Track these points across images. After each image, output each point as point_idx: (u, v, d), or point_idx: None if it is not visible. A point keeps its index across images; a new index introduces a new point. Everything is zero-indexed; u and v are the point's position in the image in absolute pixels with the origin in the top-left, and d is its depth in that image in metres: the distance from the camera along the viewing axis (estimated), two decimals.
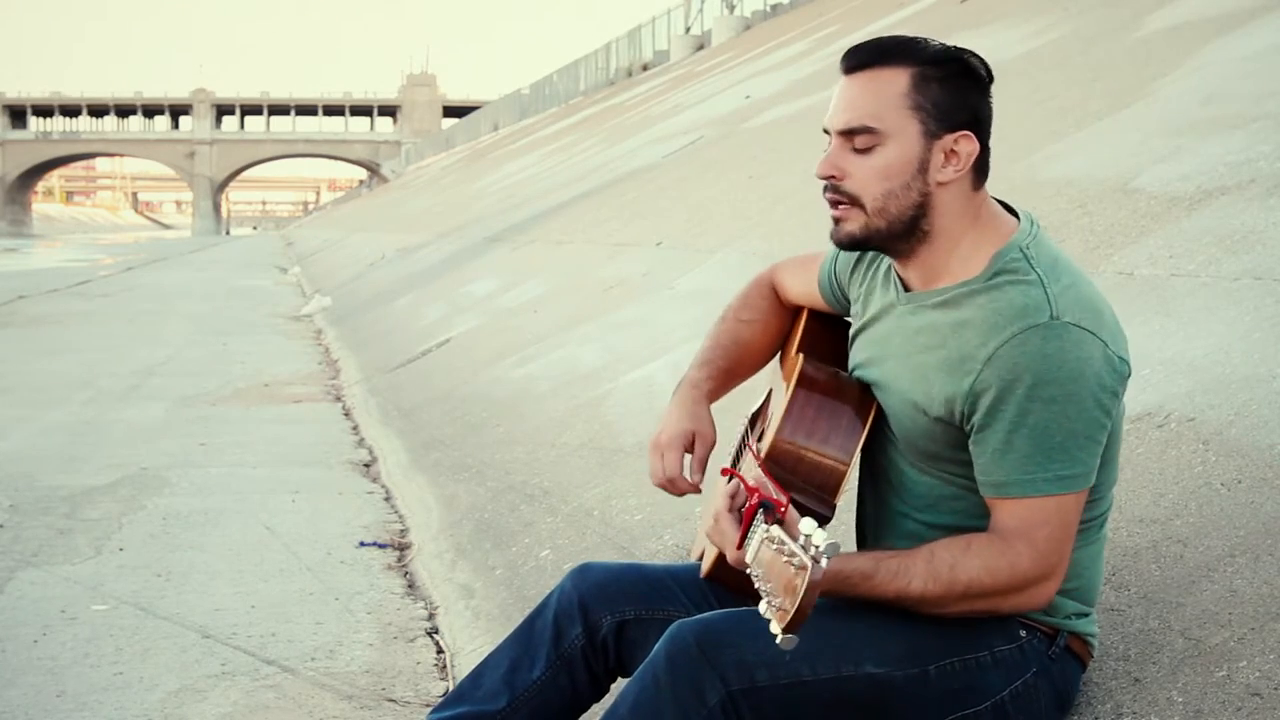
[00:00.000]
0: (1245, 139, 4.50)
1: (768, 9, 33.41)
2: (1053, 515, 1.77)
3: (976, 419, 1.80)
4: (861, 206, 1.85)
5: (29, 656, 3.38)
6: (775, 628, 1.56)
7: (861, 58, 1.84)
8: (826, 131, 1.88)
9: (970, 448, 1.83)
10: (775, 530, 1.63)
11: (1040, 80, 7.66)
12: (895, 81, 1.81)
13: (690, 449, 2.11)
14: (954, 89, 1.83)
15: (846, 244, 1.90)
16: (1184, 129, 5.01)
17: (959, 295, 1.85)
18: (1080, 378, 1.75)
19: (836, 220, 1.88)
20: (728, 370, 2.22)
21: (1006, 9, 11.62)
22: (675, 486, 2.08)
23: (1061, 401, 1.75)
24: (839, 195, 1.86)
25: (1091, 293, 1.83)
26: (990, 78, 1.87)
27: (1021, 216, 1.91)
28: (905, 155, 1.82)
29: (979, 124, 1.85)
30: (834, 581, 1.75)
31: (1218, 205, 4.01)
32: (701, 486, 2.09)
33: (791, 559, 1.57)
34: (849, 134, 1.84)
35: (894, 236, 1.86)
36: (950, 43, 1.88)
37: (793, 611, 1.54)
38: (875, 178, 1.83)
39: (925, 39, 1.87)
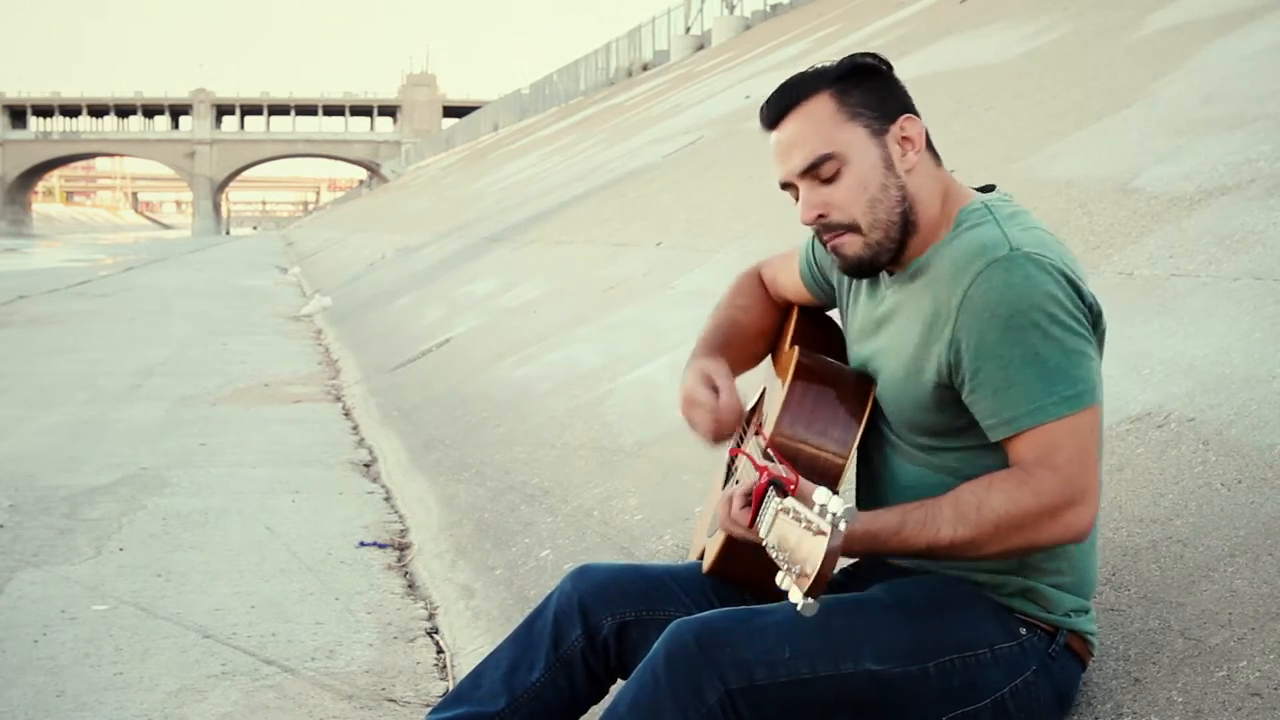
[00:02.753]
0: (1245, 139, 4.50)
1: (768, 9, 33.42)
2: (1068, 437, 1.76)
3: (966, 365, 1.80)
4: (856, 228, 1.87)
5: (29, 656, 3.38)
6: (795, 595, 1.57)
7: (779, 105, 1.90)
8: (785, 187, 1.92)
9: (968, 399, 1.83)
10: (790, 501, 1.64)
11: (1040, 80, 7.66)
12: (821, 106, 1.87)
13: (713, 387, 2.08)
14: (871, 87, 1.89)
15: (856, 269, 1.92)
16: (1184, 129, 5.01)
17: (928, 258, 1.89)
18: (1053, 299, 1.76)
19: (837, 251, 1.91)
20: (728, 347, 2.21)
21: (1006, 9, 11.62)
22: (725, 419, 2.03)
23: (1044, 325, 1.75)
24: (832, 228, 1.89)
25: (1053, 240, 1.85)
26: (889, 67, 1.93)
27: (996, 191, 1.96)
28: (869, 161, 1.86)
29: (910, 106, 1.91)
30: (865, 541, 1.77)
31: (1218, 205, 4.01)
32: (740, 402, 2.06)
33: (809, 525, 1.58)
34: (811, 170, 1.86)
35: (894, 240, 1.88)
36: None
37: (814, 576, 1.54)
38: (855, 194, 1.86)
39: (817, 65, 1.92)
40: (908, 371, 1.89)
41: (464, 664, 3.21)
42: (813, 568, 1.55)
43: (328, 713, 3.01)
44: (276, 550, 4.39)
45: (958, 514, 1.77)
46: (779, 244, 7.00)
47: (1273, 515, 2.27)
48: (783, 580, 1.60)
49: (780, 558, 1.62)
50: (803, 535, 1.58)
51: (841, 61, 1.90)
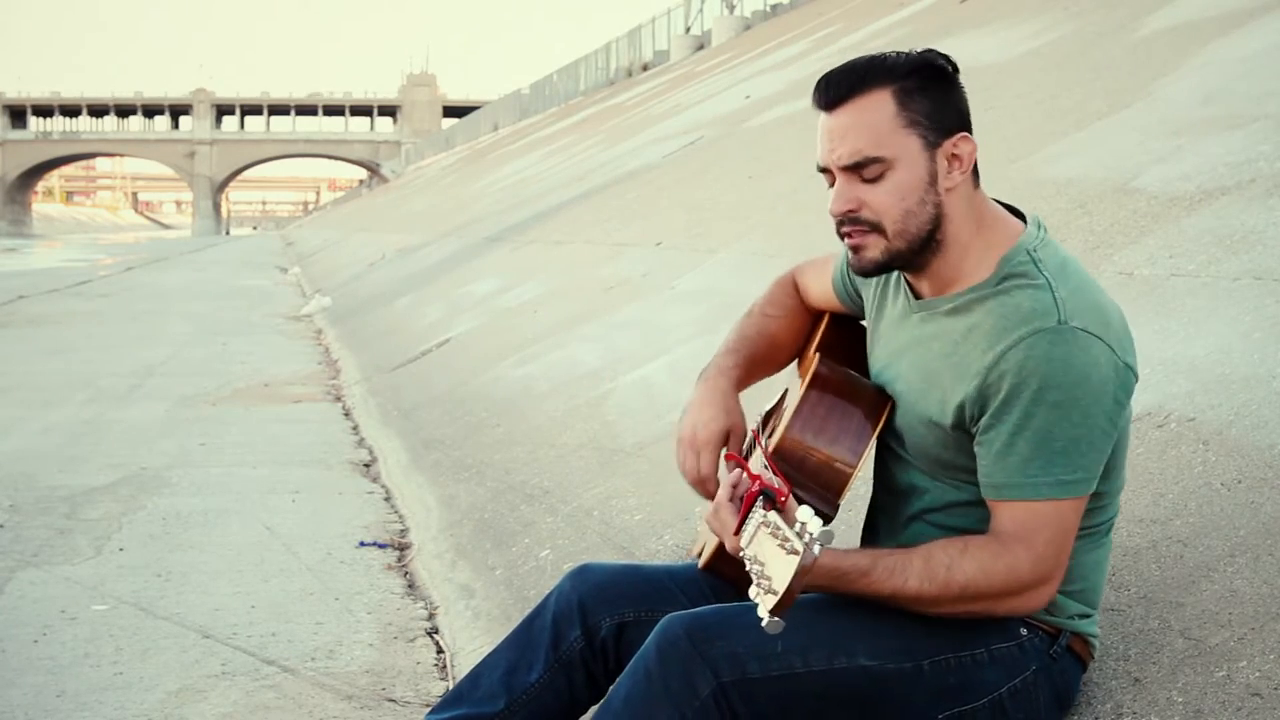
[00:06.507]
0: (1245, 139, 4.50)
1: (768, 9, 33.41)
2: (1052, 520, 1.77)
3: (984, 420, 1.80)
4: (882, 231, 1.84)
5: (29, 656, 3.38)
6: (762, 611, 1.57)
7: (840, 90, 1.83)
8: (823, 170, 1.87)
9: (975, 449, 1.83)
10: (772, 516, 1.64)
11: (1040, 80, 7.66)
12: (881, 105, 1.81)
13: (725, 445, 2.08)
14: (936, 94, 1.83)
15: (871, 270, 1.89)
16: (1184, 129, 5.01)
17: (969, 301, 1.85)
18: (1085, 382, 1.74)
19: (856, 249, 1.87)
20: (753, 361, 2.19)
21: (1006, 9, 11.61)
22: (706, 487, 2.05)
23: (1066, 406, 1.74)
24: (858, 224, 1.85)
25: (1100, 298, 1.83)
26: (956, 70, 1.87)
27: (1029, 219, 1.91)
28: (915, 173, 1.82)
29: (967, 121, 1.86)
30: (831, 576, 1.76)
31: (1218, 205, 4.01)
32: None
33: (785, 544, 1.57)
34: (855, 167, 1.82)
35: (913, 253, 1.86)
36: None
37: (780, 594, 1.54)
38: (893, 201, 1.82)
39: (889, 54, 1.86)
40: (927, 410, 1.88)
41: (464, 664, 3.21)
42: (781, 585, 1.54)
43: (328, 713, 3.01)
44: (276, 550, 4.39)
45: (927, 570, 1.78)
46: (779, 244, 7.01)
47: (1273, 515, 2.27)
48: (754, 594, 1.60)
49: (755, 570, 1.61)
50: (777, 552, 1.58)
51: (912, 57, 1.84)
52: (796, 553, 1.54)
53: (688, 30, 37.42)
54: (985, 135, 6.96)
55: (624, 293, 7.46)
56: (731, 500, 1.83)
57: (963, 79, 1.89)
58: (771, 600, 1.55)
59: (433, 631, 3.59)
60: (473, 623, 3.52)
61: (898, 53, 1.87)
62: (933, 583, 1.78)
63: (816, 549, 1.54)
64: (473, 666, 2.20)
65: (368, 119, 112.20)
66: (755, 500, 1.72)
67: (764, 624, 1.56)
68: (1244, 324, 3.09)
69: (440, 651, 3.43)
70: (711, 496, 2.05)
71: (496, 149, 38.97)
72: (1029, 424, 1.76)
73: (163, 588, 3.97)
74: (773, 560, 1.59)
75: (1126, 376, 1.79)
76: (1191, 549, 2.27)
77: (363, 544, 4.48)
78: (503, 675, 2.10)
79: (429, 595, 3.89)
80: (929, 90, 1.82)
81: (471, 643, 3.37)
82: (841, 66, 1.86)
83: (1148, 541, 2.35)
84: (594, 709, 2.06)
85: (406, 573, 4.16)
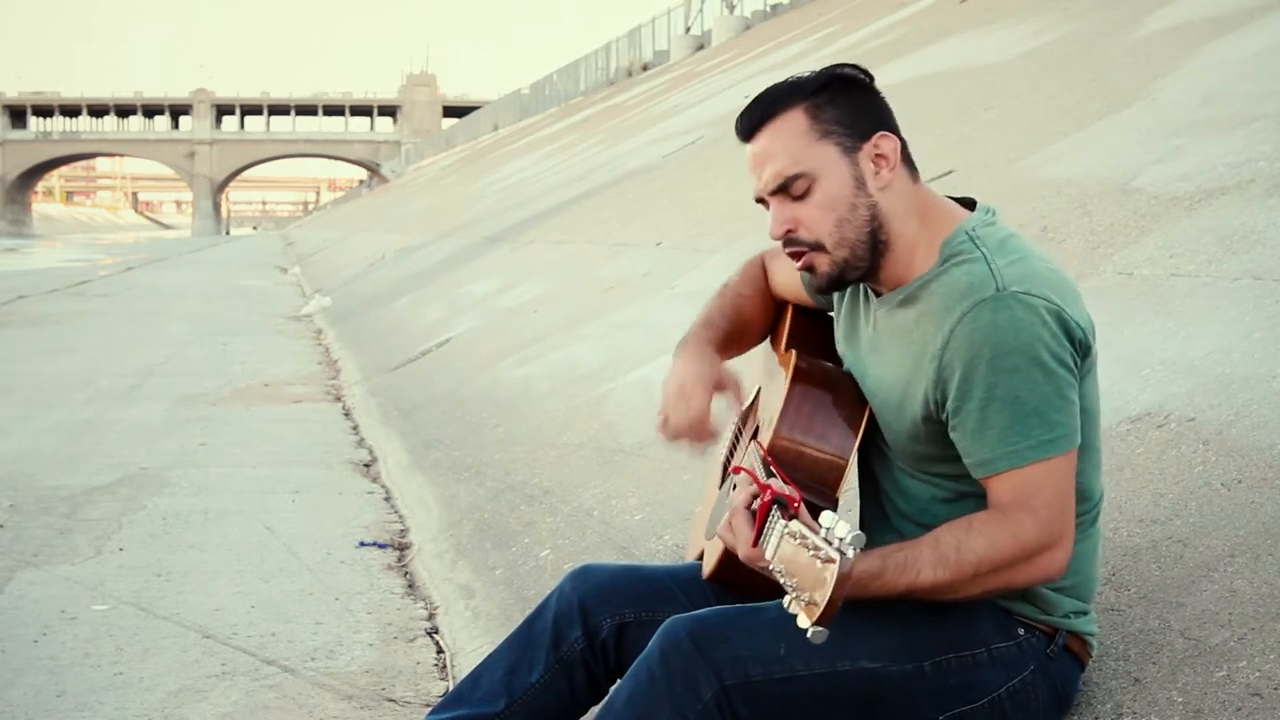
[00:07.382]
0: (1245, 139, 4.50)
1: (768, 9, 33.42)
2: (1045, 480, 1.78)
3: (949, 404, 1.82)
4: (822, 247, 1.87)
5: (29, 656, 3.38)
6: (804, 622, 1.56)
7: (754, 118, 1.89)
8: (760, 201, 1.91)
9: (951, 435, 1.84)
10: (795, 525, 1.63)
11: (1040, 80, 7.66)
12: (794, 123, 1.86)
13: (719, 391, 2.09)
14: (847, 102, 1.87)
15: (826, 286, 1.93)
16: (1184, 129, 5.01)
17: (916, 289, 1.88)
18: (1038, 340, 1.76)
19: (807, 269, 1.91)
20: (728, 334, 2.22)
21: (1007, 9, 11.61)
22: (701, 430, 2.05)
23: (1025, 368, 1.76)
24: (799, 245, 1.89)
25: (1043, 267, 1.84)
26: (870, 78, 1.91)
27: (978, 207, 1.94)
28: (839, 180, 1.85)
29: (887, 121, 1.89)
30: None
31: (1218, 205, 4.01)
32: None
33: (817, 552, 1.56)
34: (782, 188, 1.86)
35: (862, 259, 1.88)
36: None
37: (824, 604, 1.53)
38: (823, 213, 1.86)
39: (800, 75, 1.90)
40: (897, 404, 1.90)
41: (464, 664, 3.21)
42: (823, 596, 1.53)
43: (328, 713, 3.01)
44: (276, 550, 4.39)
45: (938, 556, 1.78)
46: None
47: (1273, 515, 2.27)
48: (790, 605, 1.58)
49: (788, 583, 1.60)
50: (810, 561, 1.56)
51: (819, 73, 1.89)
52: (832, 560, 1.53)
53: (688, 30, 37.42)
54: (985, 135, 6.96)
55: (624, 293, 7.46)
56: (744, 510, 1.82)
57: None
58: (815, 611, 1.54)
59: (433, 631, 3.59)
60: (473, 623, 3.53)
61: (810, 72, 1.91)
62: (946, 568, 1.78)
63: (851, 553, 1.53)
64: (473, 667, 2.20)
65: (368, 119, 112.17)
66: (770, 510, 1.71)
67: (809, 635, 1.54)
68: (1244, 324, 3.09)
69: (440, 651, 3.43)
70: (706, 438, 2.08)
71: (496, 149, 38.98)
72: (994, 394, 1.77)
73: (163, 588, 3.97)
74: (805, 570, 1.57)
75: (1076, 331, 1.80)
76: (1191, 549, 2.27)
77: (363, 544, 4.48)
78: (503, 675, 2.10)
79: (429, 595, 3.89)
80: (840, 100, 1.86)
81: (471, 643, 3.37)
82: (752, 99, 1.91)
83: (1148, 541, 2.35)
84: (595, 710, 2.06)
85: (406, 573, 4.16)
